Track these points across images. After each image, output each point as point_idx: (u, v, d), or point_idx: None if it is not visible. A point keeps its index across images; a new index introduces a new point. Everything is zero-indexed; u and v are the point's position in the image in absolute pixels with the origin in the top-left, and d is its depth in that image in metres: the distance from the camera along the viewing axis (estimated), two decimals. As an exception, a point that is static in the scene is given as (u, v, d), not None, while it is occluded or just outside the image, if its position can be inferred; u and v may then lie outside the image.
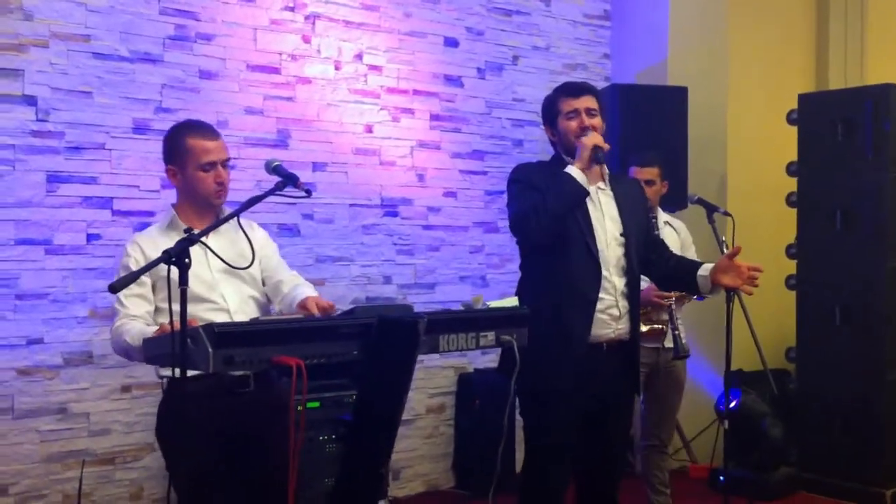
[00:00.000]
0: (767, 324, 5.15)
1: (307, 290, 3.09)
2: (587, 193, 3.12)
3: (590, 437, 3.23)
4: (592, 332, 3.18)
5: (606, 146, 3.15)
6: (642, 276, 3.42)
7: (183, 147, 2.96)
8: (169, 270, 2.55)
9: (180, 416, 2.80)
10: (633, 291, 3.25)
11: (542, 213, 3.10)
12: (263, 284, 3.16)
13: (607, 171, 3.32)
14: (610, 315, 3.17)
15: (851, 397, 4.99)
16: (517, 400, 3.32)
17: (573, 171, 3.09)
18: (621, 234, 3.22)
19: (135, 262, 2.85)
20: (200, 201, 2.98)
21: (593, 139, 3.11)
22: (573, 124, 3.21)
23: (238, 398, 2.81)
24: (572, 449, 3.23)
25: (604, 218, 3.21)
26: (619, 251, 3.21)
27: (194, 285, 2.90)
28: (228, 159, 3.01)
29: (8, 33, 3.86)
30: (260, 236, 3.18)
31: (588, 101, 3.23)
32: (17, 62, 3.87)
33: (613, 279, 3.18)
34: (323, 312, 2.92)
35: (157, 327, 2.81)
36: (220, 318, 2.92)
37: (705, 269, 3.24)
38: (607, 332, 3.18)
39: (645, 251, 3.33)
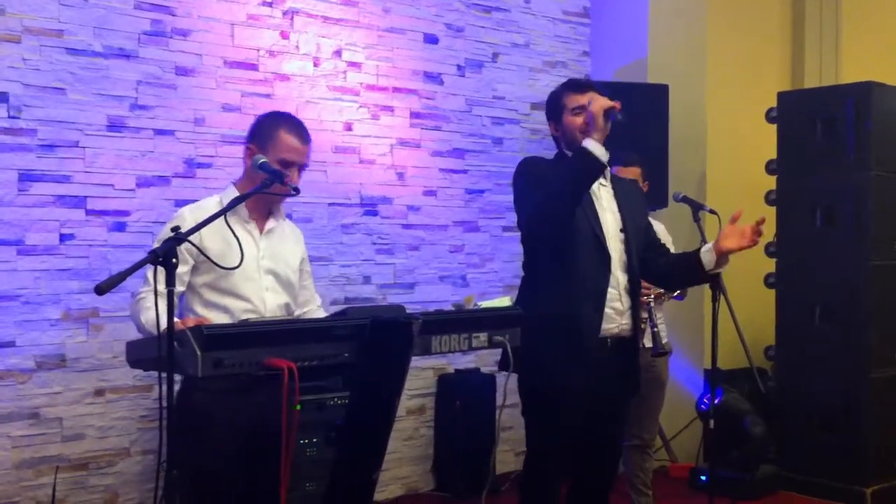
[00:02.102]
0: (746, 322, 5.10)
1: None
2: (605, 165, 3.06)
3: (589, 434, 3.20)
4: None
5: (618, 104, 3.07)
6: None
7: (274, 134, 2.93)
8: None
9: (198, 412, 2.73)
10: (633, 288, 3.24)
11: (559, 198, 3.04)
12: None
13: (610, 170, 3.31)
14: (614, 309, 3.17)
15: (832, 395, 5.00)
16: (520, 400, 3.28)
17: (590, 143, 3.02)
18: (621, 230, 3.21)
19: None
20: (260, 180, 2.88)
21: (600, 103, 3.05)
22: (578, 120, 3.19)
23: (256, 393, 2.67)
24: (575, 448, 3.20)
25: (605, 212, 3.21)
26: (621, 247, 3.21)
27: (240, 282, 2.85)
28: (306, 166, 2.99)
29: (-22, 26, 3.74)
30: (304, 251, 3.17)
31: (593, 97, 3.20)
32: (-12, 57, 3.75)
33: (617, 273, 3.17)
34: None
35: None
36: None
37: (707, 247, 3.23)
38: (612, 327, 3.18)
39: (644, 251, 3.31)
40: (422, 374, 5.00)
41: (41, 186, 3.86)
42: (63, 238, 3.91)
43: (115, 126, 4.06)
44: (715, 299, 4.12)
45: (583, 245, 3.15)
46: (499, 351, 3.00)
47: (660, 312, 4.30)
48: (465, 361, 5.07)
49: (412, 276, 5.01)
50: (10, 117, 3.79)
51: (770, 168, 5.36)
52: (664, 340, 4.20)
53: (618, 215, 3.24)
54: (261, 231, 3.00)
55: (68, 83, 3.95)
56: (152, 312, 2.53)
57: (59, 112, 3.92)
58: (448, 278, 5.16)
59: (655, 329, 4.20)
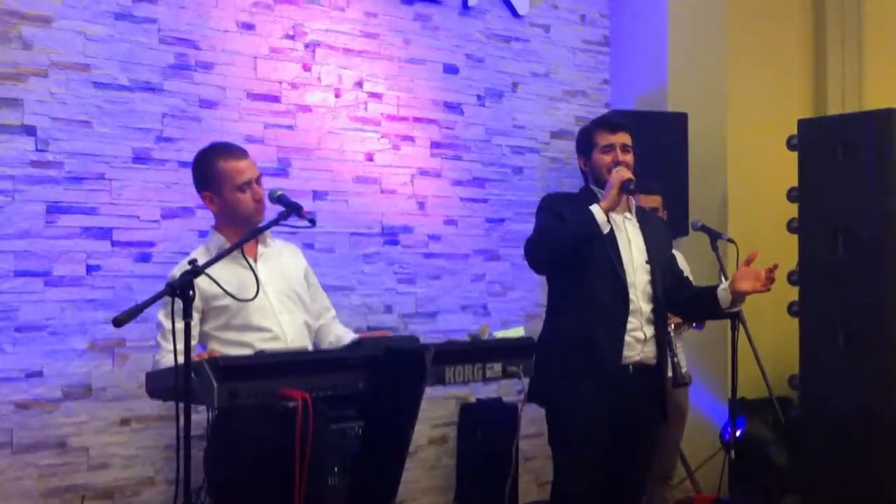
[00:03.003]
0: (769, 351, 5.10)
1: (342, 337, 3.22)
2: (600, 235, 3.19)
3: (615, 461, 3.24)
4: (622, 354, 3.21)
5: (633, 177, 3.23)
6: None
7: (216, 171, 3.02)
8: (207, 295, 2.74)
9: (232, 438, 2.79)
10: (658, 318, 3.31)
11: (551, 239, 3.16)
12: None
13: (634, 202, 3.37)
14: (635, 338, 3.25)
15: (857, 424, 4.95)
16: (547, 428, 3.34)
17: (596, 210, 3.15)
18: (646, 262, 3.28)
19: None
20: (241, 221, 3.02)
21: (621, 174, 3.18)
22: (608, 158, 3.30)
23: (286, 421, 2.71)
24: (601, 475, 3.23)
25: (630, 245, 3.29)
26: (646, 278, 3.28)
27: (251, 314, 2.92)
28: (261, 175, 3.06)
29: (7, 62, 3.82)
30: (305, 263, 3.26)
31: (624, 138, 3.34)
32: (17, 92, 3.84)
33: (640, 304, 3.26)
34: None
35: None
36: (277, 347, 2.91)
37: (724, 285, 3.32)
38: (633, 354, 3.25)
39: (665, 280, 3.36)
40: (444, 403, 5.02)
41: (68, 218, 3.94)
42: (89, 269, 3.99)
43: (140, 158, 4.14)
44: (734, 328, 4.15)
45: (601, 276, 3.23)
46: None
47: (679, 342, 4.30)
48: (488, 391, 5.07)
49: (434, 306, 5.04)
50: (37, 150, 3.88)
51: (791, 195, 5.34)
52: (683, 370, 4.20)
53: (643, 247, 3.34)
54: (255, 260, 3.04)
55: (95, 116, 4.03)
56: (171, 360, 2.58)
57: (85, 145, 4.00)
58: (469, 307, 5.18)
59: (675, 359, 4.21)
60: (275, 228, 2.99)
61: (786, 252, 5.43)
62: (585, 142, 3.44)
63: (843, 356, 5.04)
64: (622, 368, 3.24)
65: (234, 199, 3.01)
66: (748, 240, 5.36)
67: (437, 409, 4.96)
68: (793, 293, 5.34)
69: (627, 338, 3.23)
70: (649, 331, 3.28)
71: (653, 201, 4.37)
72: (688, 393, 4.39)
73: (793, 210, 5.34)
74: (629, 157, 3.34)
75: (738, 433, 4.86)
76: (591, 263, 3.23)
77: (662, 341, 3.36)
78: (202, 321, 2.97)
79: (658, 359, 3.34)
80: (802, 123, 5.37)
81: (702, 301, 3.39)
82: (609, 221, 3.21)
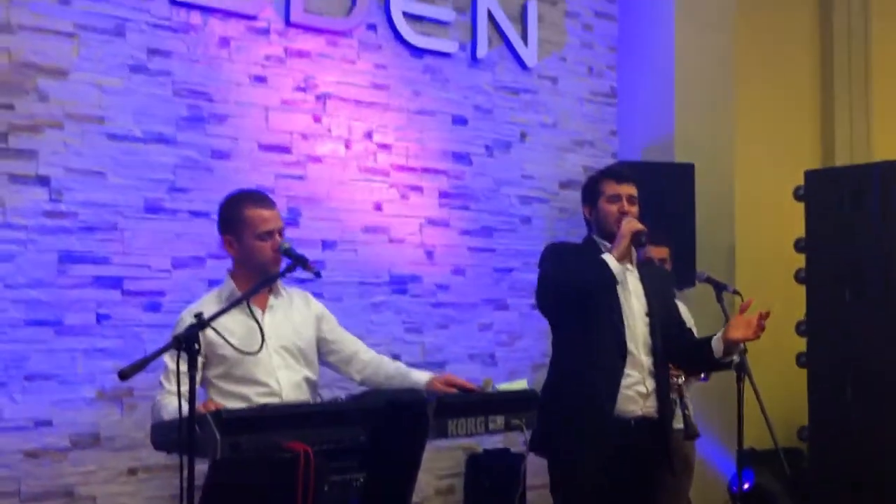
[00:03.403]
0: (778, 402, 5.08)
1: (400, 365, 3.30)
2: (616, 283, 3.18)
3: None
4: (621, 408, 3.25)
5: (645, 228, 3.27)
6: None
7: (240, 217, 3.10)
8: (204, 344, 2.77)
9: (232, 489, 2.79)
10: (660, 371, 3.31)
11: (570, 277, 3.17)
12: (328, 356, 3.26)
13: (637, 254, 3.39)
14: (637, 392, 3.24)
15: (867, 476, 4.92)
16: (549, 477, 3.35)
17: (609, 259, 3.15)
18: (647, 314, 3.28)
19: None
20: (256, 269, 3.07)
21: (631, 225, 3.20)
22: (614, 209, 3.32)
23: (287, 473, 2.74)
24: None
25: (630, 297, 3.30)
26: (646, 330, 3.28)
27: (251, 367, 2.96)
28: (284, 228, 3.13)
29: (23, 114, 3.91)
30: (319, 310, 3.29)
31: (630, 189, 3.36)
32: (32, 143, 3.92)
33: (641, 357, 3.25)
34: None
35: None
36: (271, 402, 2.94)
37: (718, 335, 3.35)
38: (635, 409, 3.23)
39: (669, 331, 3.37)
40: (451, 454, 5.01)
41: (79, 268, 4.00)
42: (99, 318, 4.04)
43: (152, 208, 4.20)
44: (740, 380, 4.14)
45: (601, 328, 3.23)
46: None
47: (688, 394, 4.30)
48: (495, 441, 5.07)
49: (441, 355, 5.06)
50: (51, 200, 3.95)
51: (798, 246, 5.37)
52: (693, 422, 4.20)
53: (643, 299, 3.34)
54: (263, 311, 3.09)
55: (108, 167, 4.10)
56: (172, 402, 2.62)
57: (98, 195, 4.06)
58: (477, 356, 5.20)
59: (686, 411, 4.21)
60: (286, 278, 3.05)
61: (794, 302, 5.45)
62: (591, 190, 3.45)
63: (852, 407, 5.03)
64: (624, 423, 3.22)
65: (252, 246, 3.07)
66: (755, 290, 5.35)
67: (443, 460, 4.96)
68: (801, 344, 5.34)
69: (629, 392, 3.22)
70: (651, 384, 3.27)
71: (661, 252, 4.40)
72: (695, 445, 4.38)
73: (800, 260, 5.36)
74: (635, 209, 3.36)
75: (745, 486, 4.84)
76: (592, 316, 3.24)
77: (665, 395, 3.36)
78: (205, 366, 3.01)
79: (661, 412, 3.32)
80: (809, 174, 5.41)
81: (698, 351, 3.40)
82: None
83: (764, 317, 3.24)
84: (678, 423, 4.19)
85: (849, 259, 5.11)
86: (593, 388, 3.21)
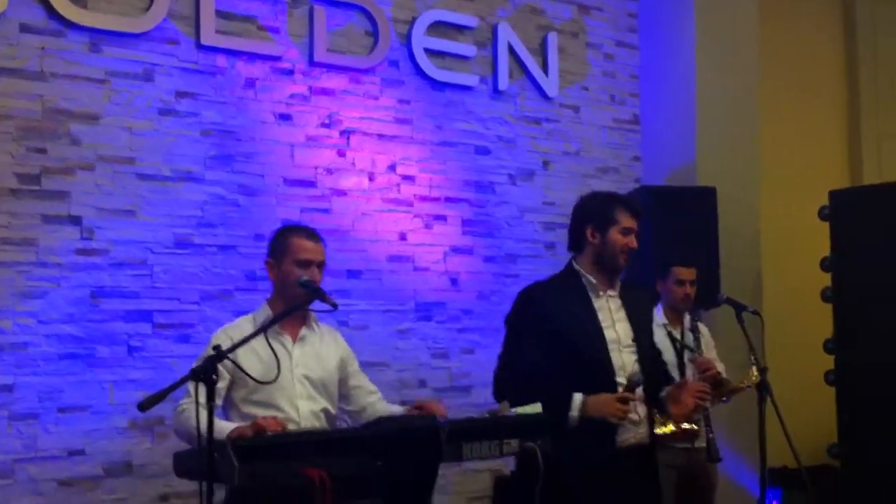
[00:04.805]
0: (808, 420, 5.09)
1: (392, 408, 3.31)
2: (568, 427, 3.16)
3: None
4: (617, 437, 3.22)
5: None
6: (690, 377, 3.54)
7: (285, 243, 3.23)
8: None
9: None
10: (649, 396, 3.29)
11: (515, 391, 3.20)
12: (341, 400, 3.33)
13: (619, 280, 3.39)
14: (628, 419, 3.20)
15: (897, 496, 4.90)
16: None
17: (576, 405, 3.16)
18: (633, 340, 3.29)
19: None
20: (289, 297, 3.16)
21: (619, 419, 3.15)
22: (624, 241, 3.30)
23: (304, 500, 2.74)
24: None
25: (614, 324, 3.28)
26: (632, 357, 3.27)
27: (274, 393, 3.06)
28: (324, 263, 3.23)
29: (56, 157, 4.07)
30: (346, 351, 3.38)
31: (638, 225, 3.33)
32: (65, 184, 4.07)
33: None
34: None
35: (233, 424, 2.91)
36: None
37: (665, 391, 3.38)
38: (628, 438, 3.22)
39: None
40: (478, 476, 5.06)
41: (111, 302, 4.14)
42: (131, 350, 4.17)
43: (181, 244, 4.34)
44: (762, 400, 4.16)
45: (586, 359, 3.23)
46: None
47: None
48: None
49: (467, 380, 5.12)
50: (82, 239, 4.10)
51: (824, 265, 5.38)
52: (716, 445, 4.24)
53: (627, 325, 3.31)
54: (294, 340, 3.19)
55: (138, 206, 4.25)
56: (190, 410, 2.73)
57: (129, 232, 4.20)
58: (504, 381, 5.24)
59: (711, 435, 4.23)
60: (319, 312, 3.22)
61: (821, 321, 5.46)
62: (604, 216, 3.34)
63: (881, 423, 5.01)
64: (616, 452, 3.20)
65: (290, 272, 3.18)
66: (783, 310, 5.42)
67: (471, 483, 5.02)
68: (829, 362, 5.34)
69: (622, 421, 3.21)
70: (642, 411, 3.25)
71: (689, 274, 4.46)
72: (717, 467, 4.40)
73: (826, 279, 5.37)
74: (635, 244, 3.38)
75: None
76: (576, 347, 3.22)
77: (652, 420, 3.35)
78: (231, 387, 3.11)
79: (651, 438, 3.32)
80: (833, 194, 5.43)
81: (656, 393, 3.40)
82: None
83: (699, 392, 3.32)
84: (699, 443, 4.23)
85: (875, 277, 5.11)
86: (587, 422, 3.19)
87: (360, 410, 3.35)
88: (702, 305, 4.73)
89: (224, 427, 2.87)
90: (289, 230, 3.34)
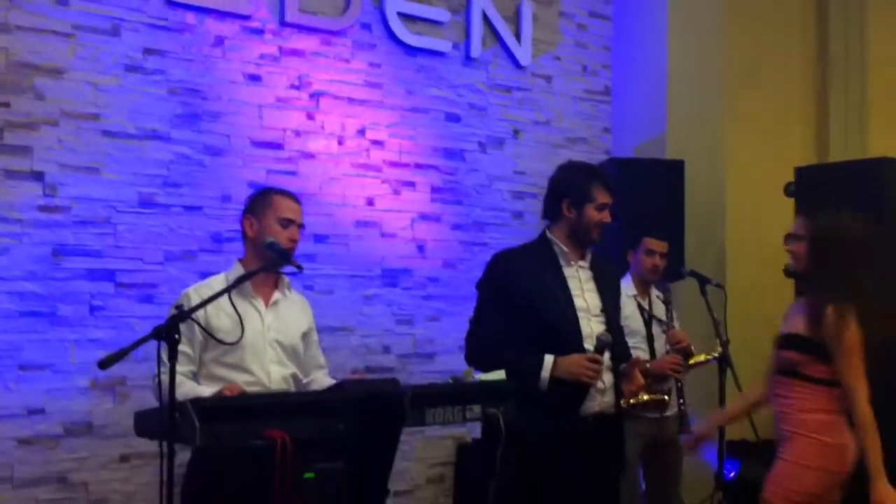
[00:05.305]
0: (768, 394, 5.15)
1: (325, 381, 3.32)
2: (540, 389, 3.20)
3: None
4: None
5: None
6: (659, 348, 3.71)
7: (267, 201, 3.22)
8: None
9: (211, 477, 2.86)
10: (616, 365, 3.31)
11: (488, 355, 3.29)
12: None
13: (590, 252, 3.42)
14: (594, 387, 3.22)
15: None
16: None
17: (547, 366, 3.20)
18: (601, 311, 3.31)
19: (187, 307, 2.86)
20: (267, 256, 3.12)
21: (589, 378, 3.18)
22: (599, 217, 3.33)
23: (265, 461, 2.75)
24: None
25: (583, 293, 3.31)
26: (601, 326, 3.29)
27: (246, 356, 3.04)
28: (303, 226, 3.24)
29: (20, 111, 4.01)
30: (311, 322, 3.38)
31: (612, 200, 3.36)
32: (28, 139, 4.01)
33: (596, 353, 3.23)
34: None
35: (209, 388, 2.95)
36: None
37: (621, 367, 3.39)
38: (592, 406, 3.24)
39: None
40: (442, 443, 5.09)
41: (73, 261, 4.09)
42: (93, 310, 4.13)
43: (146, 203, 4.29)
44: (722, 371, 4.23)
45: (554, 326, 3.25)
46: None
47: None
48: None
49: (431, 346, 5.13)
50: (45, 195, 4.04)
51: (788, 241, 5.41)
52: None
53: (596, 295, 3.34)
54: (266, 304, 3.18)
55: (103, 163, 4.20)
56: (184, 383, 2.72)
57: (92, 190, 4.16)
58: (468, 348, 5.26)
59: (684, 407, 4.27)
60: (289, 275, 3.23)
61: (783, 296, 5.49)
62: (580, 191, 3.35)
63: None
64: (581, 420, 3.22)
65: (271, 228, 3.16)
66: (746, 284, 5.46)
67: (434, 449, 5.04)
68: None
69: None
70: (608, 379, 3.27)
71: (662, 246, 4.48)
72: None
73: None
74: (609, 219, 3.41)
75: (731, 475, 4.90)
76: (545, 314, 3.25)
77: (619, 390, 3.37)
78: (203, 348, 3.09)
79: (616, 408, 3.34)
80: (799, 170, 5.45)
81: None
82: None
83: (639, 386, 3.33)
84: (669, 412, 4.27)
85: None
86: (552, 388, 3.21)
87: (306, 384, 3.35)
88: (666, 277, 4.77)
89: (198, 390, 2.87)
90: (270, 189, 3.35)
